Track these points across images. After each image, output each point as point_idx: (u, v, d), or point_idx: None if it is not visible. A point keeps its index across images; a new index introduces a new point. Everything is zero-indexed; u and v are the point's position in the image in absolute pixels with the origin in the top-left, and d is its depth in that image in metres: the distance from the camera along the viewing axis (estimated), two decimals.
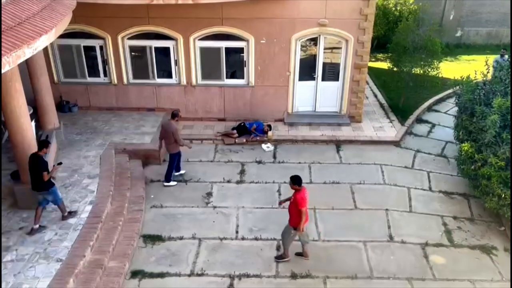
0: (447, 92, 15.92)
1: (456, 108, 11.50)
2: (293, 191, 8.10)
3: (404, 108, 14.75)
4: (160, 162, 11.73)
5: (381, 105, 15.23)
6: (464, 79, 10.97)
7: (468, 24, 22.22)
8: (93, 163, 10.91)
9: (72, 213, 9.02)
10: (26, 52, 6.62)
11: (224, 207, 10.23)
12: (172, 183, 10.91)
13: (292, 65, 13.15)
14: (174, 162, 10.85)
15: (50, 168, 8.60)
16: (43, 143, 8.45)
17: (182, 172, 11.28)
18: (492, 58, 11.50)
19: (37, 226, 8.54)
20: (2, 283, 7.30)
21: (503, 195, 8.88)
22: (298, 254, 8.78)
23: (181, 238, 9.22)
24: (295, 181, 7.99)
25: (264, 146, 12.69)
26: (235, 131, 12.93)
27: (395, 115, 14.43)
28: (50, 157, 10.28)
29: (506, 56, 14.43)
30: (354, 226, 9.70)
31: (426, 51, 13.96)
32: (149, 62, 13.35)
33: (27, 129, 8.68)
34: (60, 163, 8.99)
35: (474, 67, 11.86)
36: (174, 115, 10.51)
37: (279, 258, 8.71)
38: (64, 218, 8.90)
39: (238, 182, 11.13)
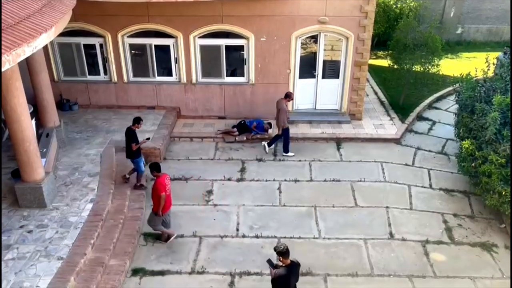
0: (447, 90, 15.90)
1: (457, 106, 11.49)
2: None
3: (405, 106, 14.74)
4: (160, 160, 11.73)
5: (382, 103, 15.22)
6: (464, 77, 10.96)
7: (469, 21, 22.18)
8: (94, 161, 10.91)
9: (142, 186, 10.30)
10: (26, 50, 6.61)
11: (225, 205, 10.24)
12: (290, 153, 12.10)
13: (292, 62, 13.13)
14: (287, 136, 12.04)
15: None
16: (137, 120, 10.04)
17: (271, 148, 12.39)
18: (492, 55, 11.47)
19: (128, 176, 10.41)
20: (3, 281, 7.31)
21: (503, 193, 8.88)
22: (166, 240, 8.96)
23: (181, 236, 9.23)
24: (154, 168, 8.51)
25: (264, 143, 12.68)
26: (235, 129, 12.93)
27: (395, 112, 14.41)
28: (51, 154, 10.30)
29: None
30: (355, 224, 9.71)
31: (426, 48, 13.94)
32: (149, 60, 13.34)
33: (27, 127, 8.67)
34: (148, 138, 10.57)
35: (474, 64, 11.85)
36: (287, 95, 11.84)
37: (166, 240, 8.89)
38: (135, 187, 10.31)
39: (238, 180, 11.14)
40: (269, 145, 12.37)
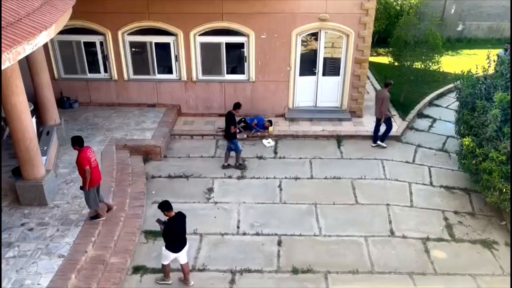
0: (448, 87, 15.88)
1: (457, 103, 11.48)
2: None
3: (405, 103, 14.73)
4: (161, 158, 11.75)
5: None
6: (465, 74, 10.94)
7: (470, 18, 22.13)
8: None
9: (241, 165, 11.30)
10: (26, 48, 6.61)
11: (225, 202, 10.25)
12: (383, 144, 12.36)
13: (292, 60, 13.11)
14: (391, 125, 12.37)
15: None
16: (237, 105, 10.95)
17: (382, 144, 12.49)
18: (493, 52, 11.45)
19: (226, 164, 11.34)
20: (5, 279, 7.33)
21: (504, 190, 8.88)
22: (93, 218, 8.81)
23: None
24: (75, 141, 8.32)
25: (265, 141, 12.69)
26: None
27: (396, 110, 14.40)
28: (52, 152, 10.31)
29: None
30: (355, 221, 9.72)
31: (427, 45, 13.92)
32: (150, 58, 13.33)
33: (28, 125, 8.68)
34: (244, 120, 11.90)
35: (475, 61, 11.83)
36: (387, 84, 12.18)
37: (94, 218, 8.79)
38: (236, 166, 11.28)
39: (239, 178, 11.14)
40: (381, 141, 12.46)
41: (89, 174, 8.23)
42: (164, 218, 7.54)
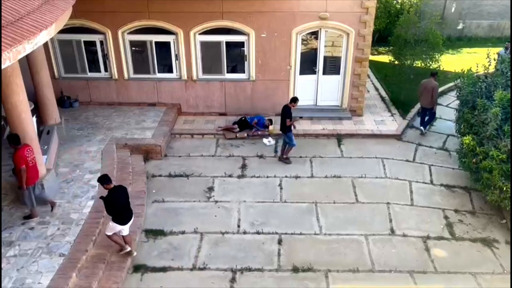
0: (448, 85, 15.86)
1: (458, 101, 11.47)
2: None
3: (406, 102, 14.71)
4: (161, 157, 11.75)
5: (382, 99, 15.20)
6: (465, 72, 10.93)
7: (470, 17, 22.11)
8: (95, 158, 10.92)
9: (287, 159, 11.50)
10: (26, 47, 6.60)
11: (226, 201, 10.25)
12: (425, 130, 12.97)
13: (293, 59, 13.11)
14: (433, 115, 12.92)
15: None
16: (294, 99, 11.16)
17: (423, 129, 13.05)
18: (493, 51, 11.43)
19: (284, 156, 11.59)
20: (6, 278, 7.34)
21: (504, 188, 8.88)
22: (26, 217, 8.78)
23: (183, 233, 9.25)
24: (11, 140, 8.32)
25: (265, 140, 12.68)
26: (236, 126, 12.93)
27: (396, 108, 14.39)
28: (52, 151, 10.31)
29: None
30: (356, 220, 9.72)
31: (427, 44, 13.92)
32: (150, 57, 13.33)
33: (28, 124, 8.68)
34: (300, 117, 12.10)
35: (475, 60, 11.82)
36: (434, 74, 12.63)
37: (27, 218, 8.77)
38: (282, 159, 11.57)
39: (239, 177, 11.14)
40: (424, 128, 13.03)
41: (24, 173, 8.26)
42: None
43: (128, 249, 8.27)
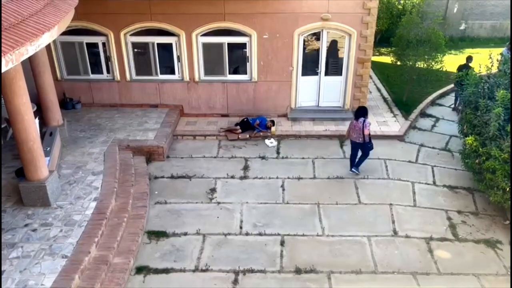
0: (451, 86, 15.84)
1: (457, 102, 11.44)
2: None
3: (408, 103, 14.69)
4: (163, 158, 11.76)
5: (385, 100, 15.18)
6: (468, 73, 10.90)
7: (472, 17, 22.08)
8: (97, 160, 10.94)
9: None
10: (29, 49, 6.62)
11: (228, 202, 10.25)
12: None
13: (295, 60, 13.11)
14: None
15: None
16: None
17: None
18: (496, 51, 11.40)
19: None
20: (8, 279, 7.35)
21: (507, 189, 8.84)
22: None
23: (185, 234, 9.24)
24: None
25: (267, 141, 12.68)
26: (238, 127, 12.93)
27: (398, 109, 14.37)
28: (55, 153, 10.33)
29: None
30: (358, 221, 9.70)
31: (429, 44, 13.88)
32: (152, 59, 13.35)
33: (31, 126, 8.69)
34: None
35: (478, 61, 11.79)
36: (469, 58, 13.43)
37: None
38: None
39: (241, 178, 11.14)
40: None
41: None
42: None
43: None
